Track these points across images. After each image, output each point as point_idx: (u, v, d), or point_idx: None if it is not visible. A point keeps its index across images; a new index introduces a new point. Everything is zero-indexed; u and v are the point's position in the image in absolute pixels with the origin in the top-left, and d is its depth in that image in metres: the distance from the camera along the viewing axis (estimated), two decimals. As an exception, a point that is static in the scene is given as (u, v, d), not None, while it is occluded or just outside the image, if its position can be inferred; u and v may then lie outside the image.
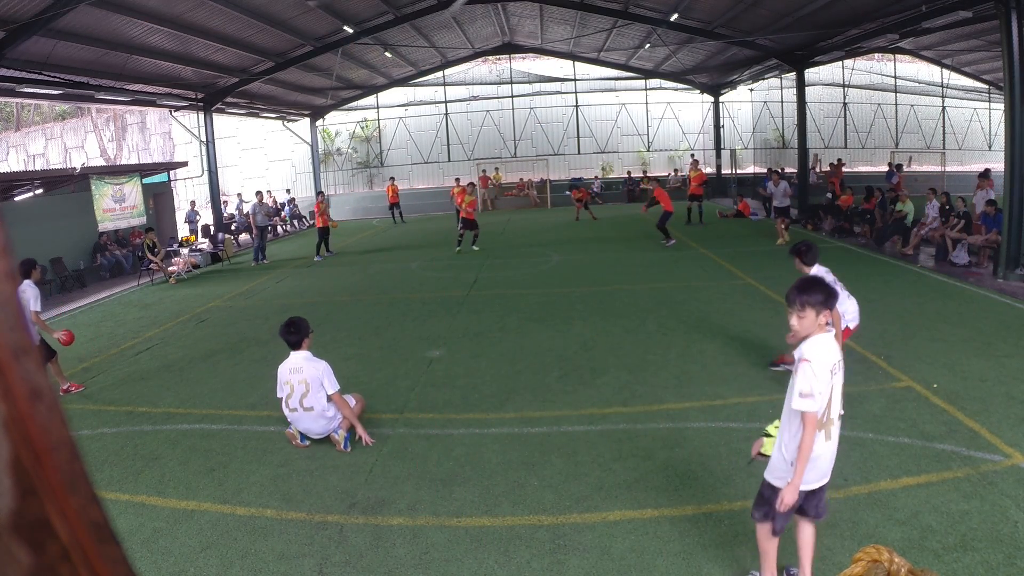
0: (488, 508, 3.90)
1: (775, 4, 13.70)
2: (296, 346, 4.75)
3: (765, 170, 20.01)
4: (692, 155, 22.41)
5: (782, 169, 17.68)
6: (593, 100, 26.19)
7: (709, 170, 24.81)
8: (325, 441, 4.83)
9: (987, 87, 24.65)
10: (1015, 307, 7.70)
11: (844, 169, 19.14)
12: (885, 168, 20.12)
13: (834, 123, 25.53)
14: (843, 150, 25.07)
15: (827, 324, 2.83)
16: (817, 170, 19.85)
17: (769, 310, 7.96)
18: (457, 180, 20.04)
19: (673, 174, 24.79)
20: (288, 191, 22.95)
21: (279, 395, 4.82)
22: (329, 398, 4.69)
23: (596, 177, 25.12)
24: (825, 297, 2.79)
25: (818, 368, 2.71)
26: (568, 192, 21.85)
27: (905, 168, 21.09)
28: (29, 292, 6.17)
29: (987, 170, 13.09)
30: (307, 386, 4.65)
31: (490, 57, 25.63)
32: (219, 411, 5.69)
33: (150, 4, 11.25)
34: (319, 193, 16.55)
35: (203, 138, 17.74)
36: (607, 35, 20.14)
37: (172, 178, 21.17)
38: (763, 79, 21.51)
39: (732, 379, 5.74)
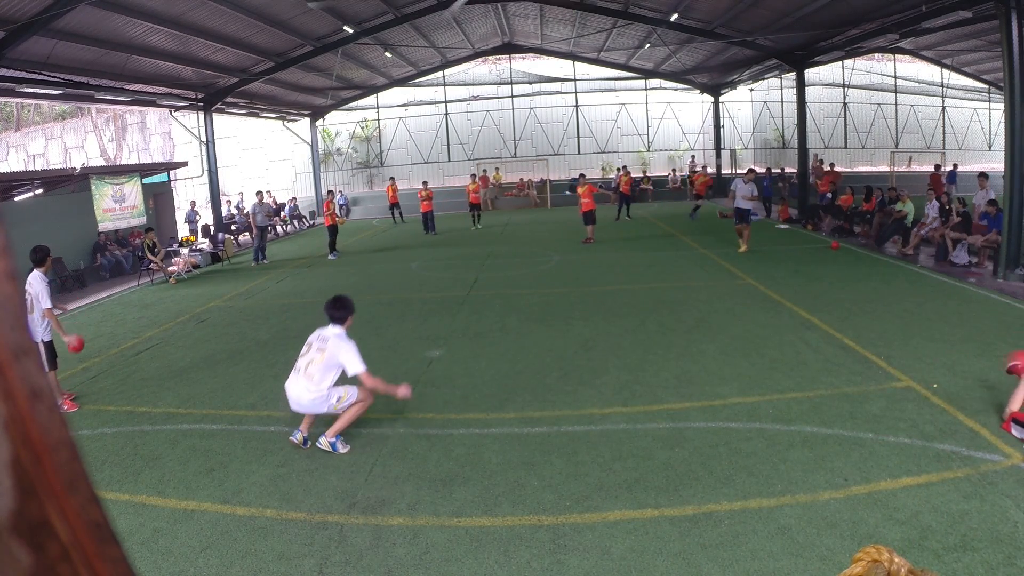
0: (488, 508, 3.90)
1: (775, 4, 13.70)
2: (340, 321, 4.74)
3: (764, 169, 19.99)
4: (687, 158, 22.37)
5: (782, 169, 17.65)
6: (593, 100, 26.17)
7: (710, 170, 24.87)
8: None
9: (987, 87, 24.66)
10: (1015, 307, 7.70)
11: (843, 169, 19.13)
12: (948, 168, 19.81)
13: (834, 123, 25.53)
14: (843, 150, 25.08)
15: None
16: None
17: (769, 310, 7.96)
18: (425, 183, 19.72)
19: (671, 174, 24.82)
20: (295, 199, 22.98)
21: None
22: (345, 380, 4.67)
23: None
24: None
25: None
26: (572, 191, 21.58)
27: (905, 168, 21.11)
28: (38, 285, 5.61)
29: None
30: (322, 356, 4.63)
31: (490, 57, 25.61)
32: (219, 411, 5.69)
33: (150, 4, 11.25)
34: (328, 192, 16.57)
35: (203, 138, 17.74)
36: (607, 35, 20.14)
37: (172, 178, 21.16)
38: (763, 79, 21.52)
39: (732, 379, 5.74)
